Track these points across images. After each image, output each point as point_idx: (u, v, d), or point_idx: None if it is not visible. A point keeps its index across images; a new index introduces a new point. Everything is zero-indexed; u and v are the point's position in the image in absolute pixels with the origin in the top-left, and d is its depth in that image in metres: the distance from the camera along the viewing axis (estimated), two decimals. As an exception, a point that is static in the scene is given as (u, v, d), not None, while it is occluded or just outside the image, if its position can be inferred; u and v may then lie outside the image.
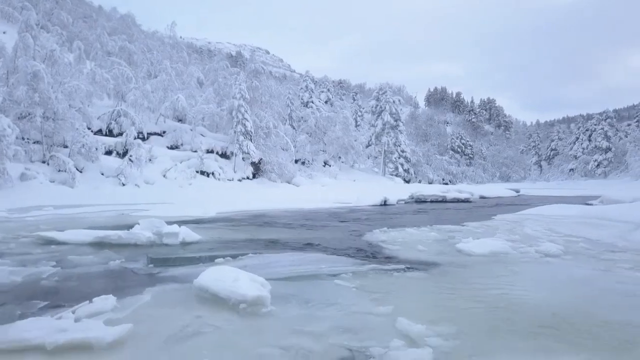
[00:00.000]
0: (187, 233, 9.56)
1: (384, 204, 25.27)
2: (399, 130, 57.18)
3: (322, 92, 57.40)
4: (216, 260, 7.42)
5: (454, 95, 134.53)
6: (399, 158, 62.11)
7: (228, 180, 37.29)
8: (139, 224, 9.84)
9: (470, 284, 6.23)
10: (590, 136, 75.06)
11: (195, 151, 36.81)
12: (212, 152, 38.78)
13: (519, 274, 6.90)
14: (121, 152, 32.22)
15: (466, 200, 29.25)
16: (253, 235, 11.33)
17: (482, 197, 34.18)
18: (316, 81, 59.53)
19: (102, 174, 28.99)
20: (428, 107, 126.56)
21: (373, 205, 24.59)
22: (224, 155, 39.56)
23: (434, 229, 12.45)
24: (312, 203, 24.21)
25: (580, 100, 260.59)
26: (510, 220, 15.37)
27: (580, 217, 15.28)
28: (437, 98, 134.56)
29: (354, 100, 75.29)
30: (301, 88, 51.44)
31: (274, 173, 40.28)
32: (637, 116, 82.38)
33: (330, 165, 50.01)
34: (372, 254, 8.40)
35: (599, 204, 20.91)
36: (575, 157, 76.55)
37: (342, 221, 15.60)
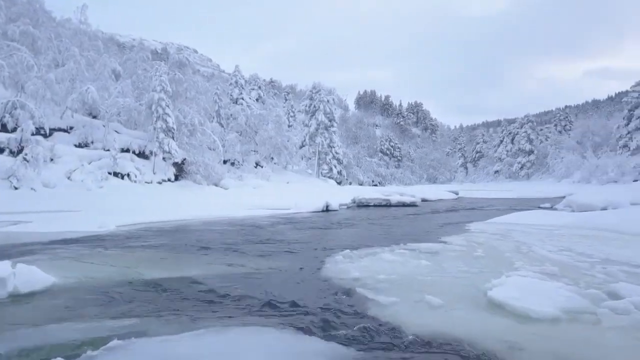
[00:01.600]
0: (27, 276, 5.40)
1: (326, 209, 21.76)
2: (333, 131, 54.17)
3: (253, 89, 53.17)
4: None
5: (383, 99, 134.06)
6: (333, 159, 59.31)
7: (146, 182, 32.33)
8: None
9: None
10: (513, 139, 75.97)
11: (108, 150, 31.57)
12: (128, 151, 33.57)
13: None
14: (15, 150, 26.67)
15: (412, 204, 26.37)
16: (154, 271, 7.30)
17: (424, 200, 31.64)
18: (247, 80, 55.34)
19: (-13, 176, 23.56)
20: (358, 110, 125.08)
21: (314, 212, 21.00)
22: (142, 155, 34.46)
23: (415, 252, 8.99)
24: (244, 209, 20.27)
25: (498, 106, 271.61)
26: (492, 232, 12.29)
27: (575, 227, 12.54)
28: (366, 101, 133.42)
29: (286, 100, 71.51)
30: (230, 84, 47.03)
31: (199, 175, 35.65)
32: (554, 121, 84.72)
33: (262, 167, 45.92)
34: (359, 327, 4.64)
35: (566, 208, 18.56)
36: (500, 160, 77.26)
37: (282, 240, 11.80)
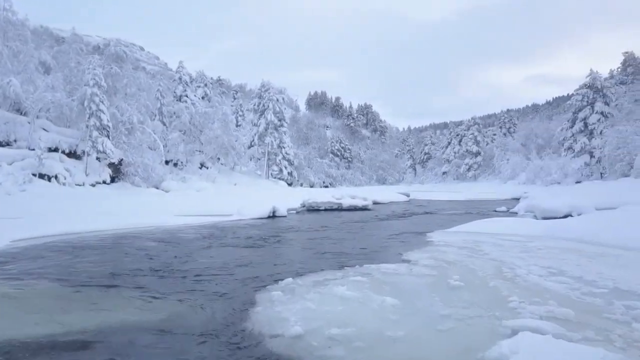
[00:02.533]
0: None
1: (273, 215, 19.47)
2: (283, 131, 51.83)
3: (199, 87, 50.01)
4: None
5: (334, 100, 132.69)
6: (283, 160, 57.12)
7: (77, 185, 29.00)
8: None
9: None
10: (460, 141, 76.14)
11: (34, 149, 28.03)
12: (57, 150, 30.05)
13: None
14: None
15: (364, 208, 24.48)
16: (15, 325, 4.86)
17: (376, 203, 29.88)
18: (193, 77, 52.11)
19: None
20: (309, 111, 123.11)
21: (259, 218, 18.67)
22: (73, 155, 31.02)
23: (375, 280, 6.89)
24: (180, 216, 17.71)
25: (445, 109, 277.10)
26: (459, 245, 10.42)
27: (549, 238, 10.92)
28: (317, 102, 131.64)
29: (235, 99, 68.55)
30: (174, 80, 43.81)
31: (137, 176, 32.52)
32: (498, 123, 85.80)
33: (207, 167, 42.99)
34: None
35: (527, 214, 17.10)
36: (448, 161, 77.27)
37: (208, 262, 9.50)
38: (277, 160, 48.06)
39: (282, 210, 19.70)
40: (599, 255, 8.89)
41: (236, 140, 42.87)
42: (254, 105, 46.97)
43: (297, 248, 10.88)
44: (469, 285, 6.52)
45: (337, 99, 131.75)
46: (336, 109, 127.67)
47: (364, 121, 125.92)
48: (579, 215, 14.89)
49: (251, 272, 7.73)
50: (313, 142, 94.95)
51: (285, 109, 46.55)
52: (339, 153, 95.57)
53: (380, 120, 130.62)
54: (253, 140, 45.45)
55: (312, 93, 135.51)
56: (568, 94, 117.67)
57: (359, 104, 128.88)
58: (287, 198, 24.76)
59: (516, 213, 19.04)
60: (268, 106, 44.30)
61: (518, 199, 35.00)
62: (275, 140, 44.81)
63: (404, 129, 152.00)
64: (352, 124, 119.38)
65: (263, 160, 45.67)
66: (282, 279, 6.92)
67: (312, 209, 23.64)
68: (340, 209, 23.77)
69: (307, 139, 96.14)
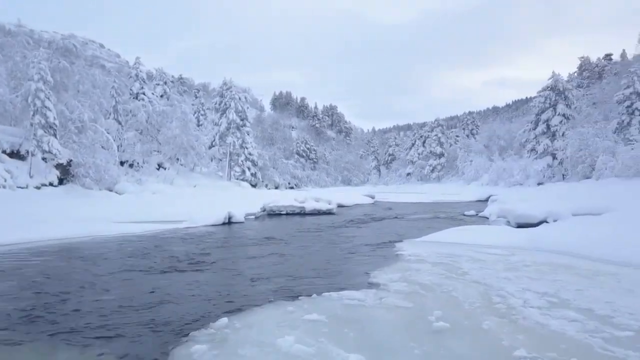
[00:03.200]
0: None
1: (228, 222, 17.58)
2: (246, 131, 49.70)
3: (158, 84, 47.34)
4: None
5: (299, 101, 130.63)
6: (246, 161, 55.05)
7: (19, 187, 26.27)
8: None
9: None
10: (424, 142, 75.63)
11: (-31, 149, 25.29)
12: (-4, 150, 27.27)
13: None
14: None
15: (328, 212, 22.83)
16: None
17: (340, 206, 28.34)
18: (152, 75, 49.41)
19: None
20: (274, 111, 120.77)
21: (213, 225, 16.76)
22: (16, 155, 28.21)
23: (334, 320, 5.21)
24: (123, 223, 15.64)
25: (409, 110, 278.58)
26: (433, 260, 8.86)
27: (531, 249, 9.54)
28: (282, 102, 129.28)
29: (197, 97, 65.76)
30: (130, 77, 41.12)
31: (89, 178, 29.90)
32: (461, 125, 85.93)
33: (166, 169, 40.50)
34: None
35: (500, 219, 15.80)
36: (412, 162, 76.64)
37: (116, 302, 7.65)
38: (240, 161, 45.91)
39: (238, 216, 17.82)
40: (594, 274, 7.50)
41: (196, 140, 40.56)
42: (215, 103, 44.67)
43: (244, 267, 9.08)
44: (455, 327, 4.93)
45: (303, 99, 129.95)
46: (301, 109, 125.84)
47: (330, 122, 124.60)
48: (555, 221, 13.68)
49: (173, 309, 5.87)
50: (278, 142, 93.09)
51: (248, 108, 44.46)
52: (304, 154, 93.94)
53: (346, 122, 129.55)
54: (214, 140, 43.16)
55: (277, 93, 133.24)
56: (526, 97, 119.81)
57: (324, 105, 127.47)
58: (247, 202, 22.89)
59: (487, 218, 17.78)
60: (230, 105, 42.12)
61: (484, 200, 34.21)
62: (237, 140, 42.67)
63: (368, 130, 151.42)
64: (317, 125, 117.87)
65: (225, 161, 43.47)
66: (214, 320, 5.16)
67: (273, 214, 21.86)
68: (303, 213, 22.07)
69: (272, 140, 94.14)
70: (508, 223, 14.97)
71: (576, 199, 17.98)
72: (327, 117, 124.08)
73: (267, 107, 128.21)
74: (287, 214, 21.83)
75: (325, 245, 11.96)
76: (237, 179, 48.64)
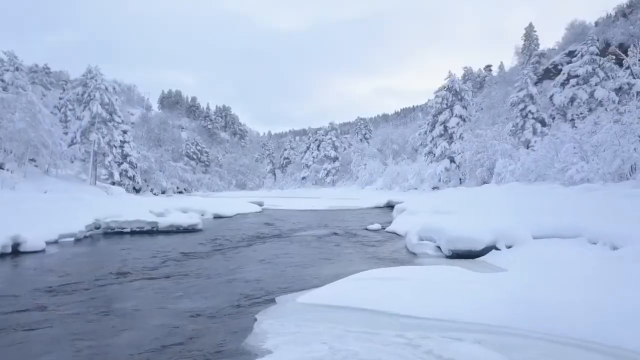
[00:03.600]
0: None
1: (12, 251, 11.69)
2: (122, 128, 42.56)
3: (8, 70, 38.75)
4: None
5: (190, 100, 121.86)
6: (122, 163, 47.78)
7: None
8: None
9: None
10: (319, 146, 72.99)
11: None
12: None
13: None
14: None
15: (191, 229, 17.41)
16: None
17: (217, 217, 23.31)
18: (4, 61, 40.52)
19: None
20: (162, 110, 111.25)
21: None
22: None
23: None
24: None
25: (303, 115, 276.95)
26: None
27: (537, 337, 5.37)
28: (171, 102, 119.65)
29: (64, 90, 56.58)
30: (-42, 55, 32.53)
31: None
32: (354, 129, 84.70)
33: (9, 170, 32.51)
34: None
35: (426, 243, 11.84)
36: (307, 166, 73.59)
37: None
38: (107, 162, 38.81)
39: (33, 241, 11.78)
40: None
41: (50, 137, 33.12)
42: (77, 94, 37.32)
43: None
44: None
45: (194, 99, 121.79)
46: (192, 109, 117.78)
47: (223, 123, 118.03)
48: (509, 247, 9.95)
49: None
50: (166, 143, 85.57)
51: (117, 99, 37.60)
52: (195, 156, 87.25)
53: (240, 124, 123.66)
54: (75, 136, 35.83)
55: (165, 92, 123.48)
56: (413, 106, 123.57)
57: (217, 106, 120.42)
58: (83, 213, 16.91)
59: (401, 236, 13.95)
60: (94, 96, 35.13)
61: (382, 207, 31.36)
62: (103, 137, 35.77)
63: (264, 133, 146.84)
64: (210, 126, 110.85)
65: (88, 161, 36.33)
66: None
67: (112, 232, 16.25)
68: (155, 230, 16.68)
69: (159, 140, 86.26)
70: (438, 249, 11.08)
71: (505, 209, 14.90)
72: (220, 118, 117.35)
73: (155, 106, 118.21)
74: (132, 231, 16.32)
75: (149, 313, 7.08)
76: (106, 182, 41.39)
